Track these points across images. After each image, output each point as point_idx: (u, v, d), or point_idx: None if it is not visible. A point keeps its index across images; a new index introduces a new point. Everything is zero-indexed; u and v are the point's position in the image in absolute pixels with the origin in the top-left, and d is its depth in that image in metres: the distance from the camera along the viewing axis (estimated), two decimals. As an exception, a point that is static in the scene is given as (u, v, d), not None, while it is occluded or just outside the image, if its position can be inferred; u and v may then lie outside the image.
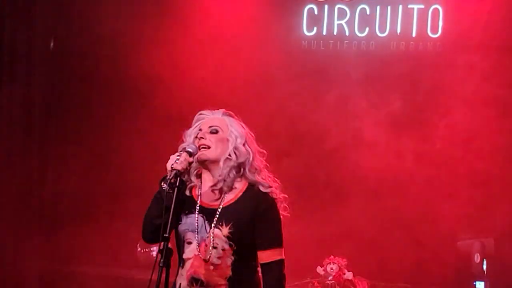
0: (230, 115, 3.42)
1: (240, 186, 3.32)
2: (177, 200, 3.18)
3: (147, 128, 7.26)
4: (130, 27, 7.34)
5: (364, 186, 7.07)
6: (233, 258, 3.28)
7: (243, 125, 3.42)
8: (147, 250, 7.16)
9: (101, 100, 7.46)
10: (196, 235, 3.28)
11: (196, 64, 7.22)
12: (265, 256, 3.29)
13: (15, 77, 7.17)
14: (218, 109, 3.45)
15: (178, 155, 3.24)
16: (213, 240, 3.26)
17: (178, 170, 3.19)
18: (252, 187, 3.32)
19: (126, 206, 7.12)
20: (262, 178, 3.34)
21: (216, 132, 3.34)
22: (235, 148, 3.32)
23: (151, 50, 7.42)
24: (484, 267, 6.48)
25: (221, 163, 3.30)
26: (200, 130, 3.36)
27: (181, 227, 3.32)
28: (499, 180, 6.95)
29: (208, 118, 3.40)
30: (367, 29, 7.25)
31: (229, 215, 3.27)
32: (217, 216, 3.27)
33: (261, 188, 3.32)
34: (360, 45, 7.25)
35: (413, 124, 7.18)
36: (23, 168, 7.18)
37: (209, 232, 3.26)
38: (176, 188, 3.18)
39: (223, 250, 3.26)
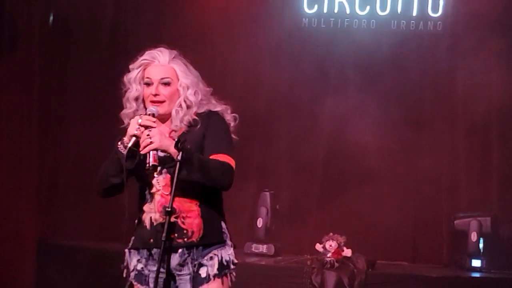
0: (176, 58, 3.40)
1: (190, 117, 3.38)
2: (137, 162, 3.28)
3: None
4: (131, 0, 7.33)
5: (363, 166, 7.09)
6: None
7: (188, 65, 3.42)
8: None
9: (102, 72, 7.43)
10: (162, 167, 3.32)
11: (191, 45, 7.21)
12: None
13: (15, 50, 7.14)
14: (161, 49, 3.41)
15: (139, 120, 3.27)
16: (174, 168, 3.27)
17: (138, 137, 3.25)
18: (201, 112, 3.39)
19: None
20: (212, 104, 3.42)
21: (169, 84, 3.37)
22: (186, 98, 3.36)
23: (150, 25, 7.42)
24: (481, 245, 6.53)
25: (173, 113, 3.37)
26: (149, 80, 3.36)
27: (135, 162, 3.33)
28: (497, 160, 7.00)
29: (156, 64, 3.38)
30: (368, 7, 7.22)
31: (186, 142, 3.29)
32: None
33: (211, 108, 3.40)
34: (360, 23, 7.23)
35: (412, 104, 7.20)
36: (23, 139, 7.18)
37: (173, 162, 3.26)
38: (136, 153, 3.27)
39: None
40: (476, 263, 6.50)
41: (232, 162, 3.30)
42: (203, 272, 3.30)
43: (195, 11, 7.36)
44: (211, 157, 3.28)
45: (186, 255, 3.32)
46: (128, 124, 3.38)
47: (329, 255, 6.20)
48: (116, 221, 7.09)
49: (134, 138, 3.27)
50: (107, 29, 7.53)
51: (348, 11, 7.24)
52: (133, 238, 3.46)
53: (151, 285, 3.32)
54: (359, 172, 7.09)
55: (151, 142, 3.23)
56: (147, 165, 3.25)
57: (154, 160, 3.26)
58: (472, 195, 6.98)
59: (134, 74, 3.42)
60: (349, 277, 6.07)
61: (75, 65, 7.45)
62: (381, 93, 7.10)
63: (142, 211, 3.38)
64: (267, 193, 6.69)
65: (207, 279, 3.29)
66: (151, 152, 3.25)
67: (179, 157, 3.24)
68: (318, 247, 6.30)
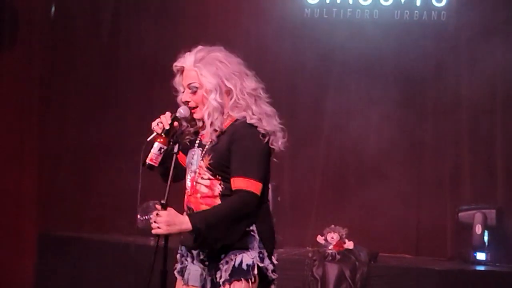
0: (202, 60, 3.33)
1: (226, 122, 3.37)
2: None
3: (147, 89, 7.25)
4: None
5: (365, 158, 7.04)
6: (221, 188, 3.29)
7: (217, 64, 3.33)
8: (146, 217, 7.13)
9: (103, 64, 7.41)
10: (191, 167, 3.40)
11: (193, 36, 7.16)
12: (232, 184, 3.25)
13: (16, 42, 7.14)
14: (191, 51, 3.38)
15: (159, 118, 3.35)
16: (199, 171, 3.34)
17: (156, 132, 3.32)
18: (236, 120, 3.33)
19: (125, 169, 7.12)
20: (250, 111, 3.32)
21: (196, 90, 3.33)
22: (210, 103, 3.31)
23: (152, 17, 7.40)
24: (485, 238, 6.45)
25: (205, 119, 3.34)
26: (183, 86, 3.39)
27: (186, 161, 3.46)
28: (502, 152, 6.93)
29: (185, 69, 3.37)
30: (371, -3, 7.16)
31: (212, 148, 3.32)
32: (205, 150, 3.35)
33: (247, 120, 3.31)
34: (363, 14, 7.15)
35: (416, 96, 7.13)
36: (23, 132, 7.18)
37: (197, 164, 3.36)
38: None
39: (210, 179, 3.30)
40: (480, 256, 6.42)
41: (249, 185, 3.19)
42: (218, 275, 3.30)
43: (196, 2, 7.32)
44: (232, 179, 3.23)
45: (203, 256, 3.35)
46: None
47: (330, 247, 6.13)
48: (117, 213, 7.10)
49: (154, 133, 3.34)
50: (108, 21, 7.50)
51: (351, 1, 7.17)
52: None
53: (187, 276, 3.40)
54: (361, 164, 7.04)
55: (158, 228, 3.22)
56: (145, 161, 3.34)
57: (151, 160, 3.32)
58: (477, 187, 6.91)
59: (176, 79, 3.44)
60: (351, 270, 6.00)
61: (76, 58, 7.42)
62: (384, 85, 7.03)
63: None
64: (269, 185, 6.61)
65: (218, 284, 3.29)
66: (152, 152, 3.32)
67: (175, 149, 3.31)
68: (320, 239, 6.24)
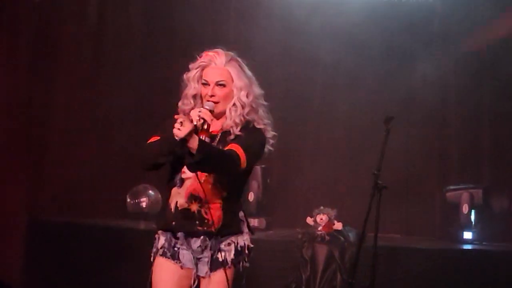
0: (231, 60, 3.65)
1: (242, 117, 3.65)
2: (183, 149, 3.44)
3: (133, 73, 7.22)
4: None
5: (354, 140, 7.06)
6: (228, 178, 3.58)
7: (243, 67, 3.66)
8: (136, 201, 7.14)
9: (90, 45, 7.37)
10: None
11: (197, 26, 7.15)
12: (229, 146, 3.55)
13: (0, 27, 7.07)
14: (218, 52, 3.65)
15: (199, 111, 3.47)
16: None
17: (200, 128, 3.43)
18: (249, 123, 3.64)
19: (114, 152, 7.11)
20: (258, 116, 3.66)
21: (224, 85, 3.61)
22: (239, 98, 3.61)
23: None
24: (472, 217, 6.52)
25: (227, 112, 3.62)
26: (206, 81, 3.60)
27: (184, 150, 3.53)
28: (488, 131, 6.97)
29: (212, 67, 3.63)
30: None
31: (226, 140, 3.59)
32: (217, 140, 3.61)
33: (256, 125, 3.65)
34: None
35: (403, 76, 7.13)
36: (10, 115, 7.13)
37: None
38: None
39: None
40: (467, 235, 6.49)
41: (242, 155, 3.48)
42: (220, 256, 3.62)
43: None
44: (231, 144, 3.54)
45: (207, 242, 3.62)
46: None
47: (319, 228, 6.16)
48: (107, 197, 7.10)
49: (199, 129, 3.44)
50: (95, 2, 7.45)
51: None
52: (157, 218, 3.75)
53: (182, 260, 3.63)
54: (350, 146, 7.06)
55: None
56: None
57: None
58: (464, 167, 6.95)
59: (193, 73, 3.66)
60: (340, 251, 6.04)
61: (63, 39, 7.36)
62: (374, 66, 7.04)
63: (169, 194, 3.64)
64: (258, 167, 6.63)
65: (224, 263, 3.62)
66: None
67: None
68: (309, 220, 6.26)
